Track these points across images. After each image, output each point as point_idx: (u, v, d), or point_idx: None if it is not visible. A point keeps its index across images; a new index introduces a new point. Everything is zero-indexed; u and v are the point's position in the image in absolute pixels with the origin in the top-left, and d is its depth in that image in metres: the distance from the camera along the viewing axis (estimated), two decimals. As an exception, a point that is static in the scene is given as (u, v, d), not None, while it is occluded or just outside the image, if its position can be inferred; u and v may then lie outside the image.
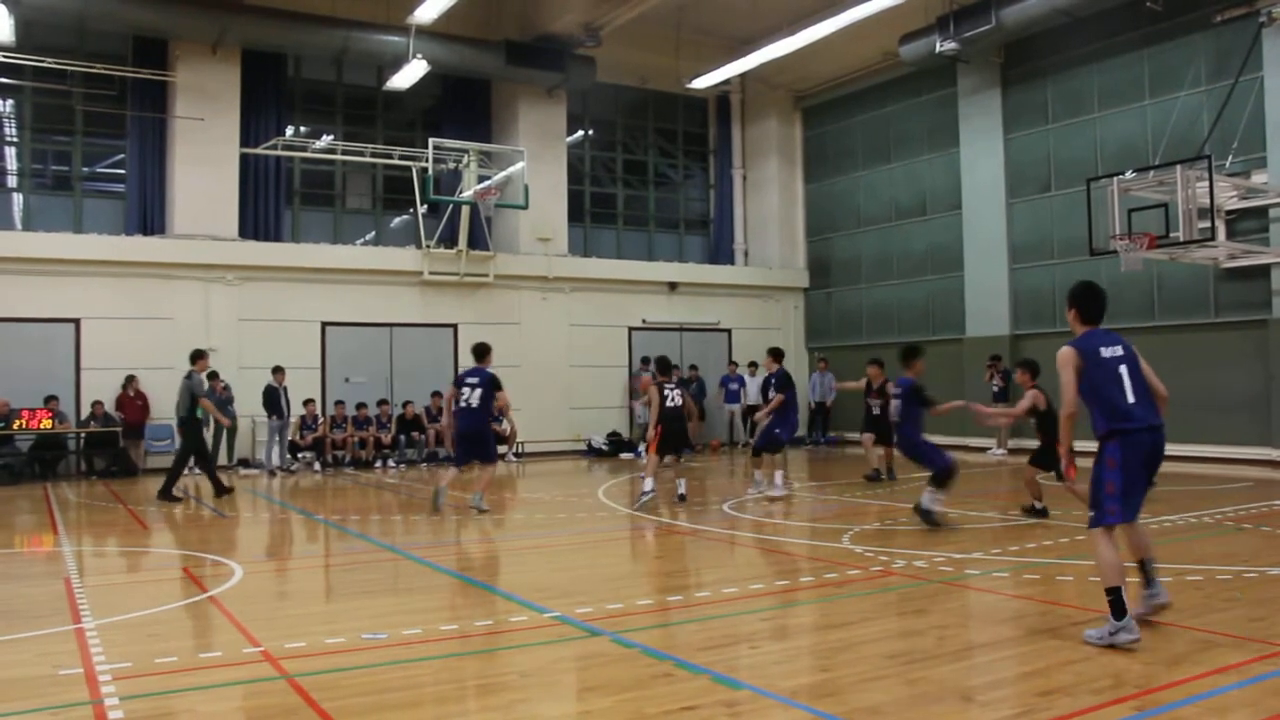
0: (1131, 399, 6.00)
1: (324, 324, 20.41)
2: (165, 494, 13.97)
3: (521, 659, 5.80)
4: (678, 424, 12.94)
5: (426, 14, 18.64)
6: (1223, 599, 7.02)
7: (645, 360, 22.86)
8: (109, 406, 18.20)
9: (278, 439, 18.59)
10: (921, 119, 22.91)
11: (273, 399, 18.45)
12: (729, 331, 24.89)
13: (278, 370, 18.59)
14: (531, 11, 21.99)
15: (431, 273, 21.26)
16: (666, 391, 12.87)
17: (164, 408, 18.48)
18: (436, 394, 20.40)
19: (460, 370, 13.50)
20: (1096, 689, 4.88)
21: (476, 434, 12.68)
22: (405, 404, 20.21)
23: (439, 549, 10.38)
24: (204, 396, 14.37)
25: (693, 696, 4.88)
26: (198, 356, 14.31)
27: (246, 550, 10.43)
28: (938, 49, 19.68)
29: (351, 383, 19.80)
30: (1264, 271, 16.52)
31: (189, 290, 19.22)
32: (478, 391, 12.44)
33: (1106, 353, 6.16)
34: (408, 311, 21.24)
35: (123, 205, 19.93)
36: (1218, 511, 11.33)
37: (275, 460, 18.43)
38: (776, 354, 14.65)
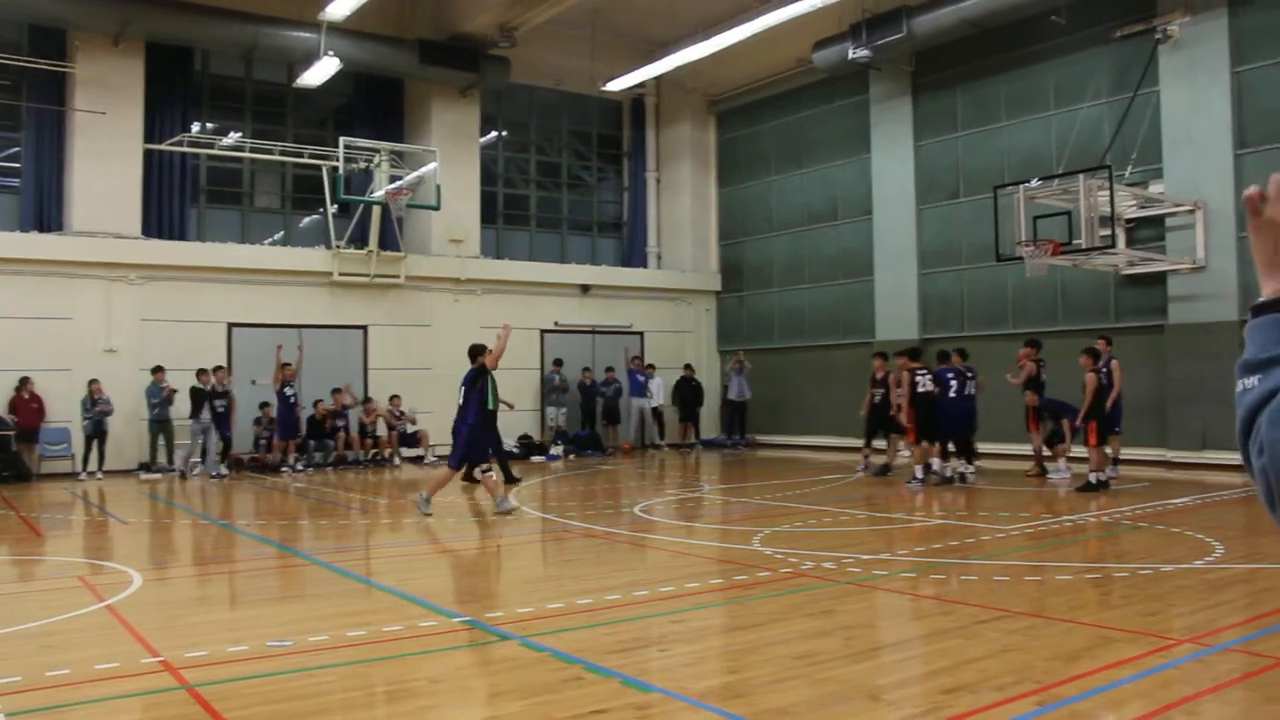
0: None
1: (230, 325, 19.95)
2: (470, 478, 14.75)
3: (430, 664, 5.72)
4: None
5: (338, 11, 18.34)
6: (1119, 595, 7.21)
7: (558, 362, 22.83)
8: (1, 409, 17.56)
9: (203, 441, 18.00)
10: (834, 125, 23.19)
11: (198, 401, 17.91)
12: (641, 334, 24.94)
13: (203, 372, 18.08)
14: (446, 11, 21.79)
15: (341, 273, 20.94)
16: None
17: (60, 410, 17.97)
18: (337, 390, 20.01)
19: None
20: (999, 685, 4.98)
21: (455, 431, 12.46)
22: (316, 403, 19.81)
23: (346, 554, 10.22)
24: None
25: (603, 700, 4.87)
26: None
27: (146, 557, 10.16)
28: (850, 56, 19.94)
29: (258, 385, 19.35)
30: (1160, 278, 17.04)
31: (89, 289, 18.66)
32: (462, 390, 12.37)
33: None
34: (317, 313, 20.88)
35: (18, 201, 19.24)
36: (1116, 511, 11.66)
37: (209, 463, 17.84)
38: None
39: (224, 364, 18.94)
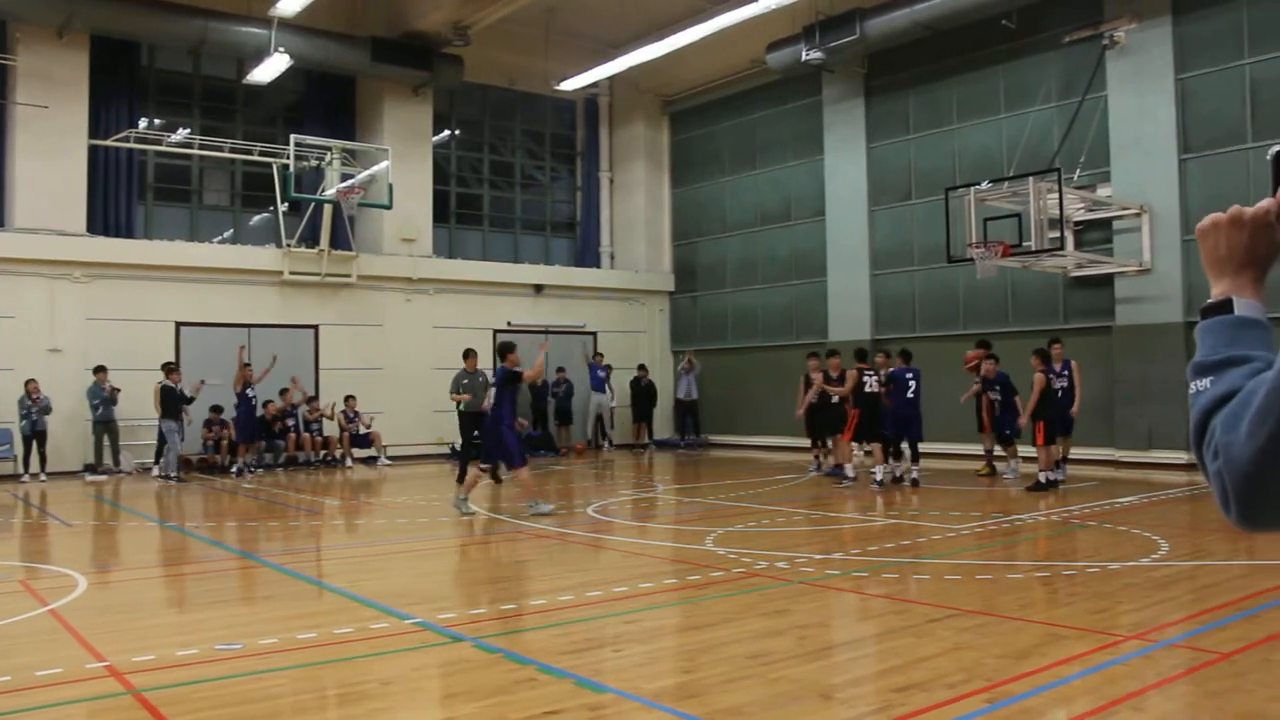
0: None
1: (178, 324, 19.66)
2: (496, 479, 15.67)
3: (383, 666, 5.66)
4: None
5: (289, 6, 18.15)
6: (1068, 593, 7.30)
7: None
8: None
9: (168, 441, 17.51)
10: (787, 126, 23.30)
11: (170, 400, 17.51)
12: (594, 334, 24.90)
13: (172, 369, 17.74)
14: (398, 8, 21.64)
15: (292, 272, 20.71)
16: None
17: (1, 411, 17.61)
18: (284, 391, 19.79)
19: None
20: (950, 684, 5.01)
21: (490, 434, 12.40)
22: (266, 404, 19.53)
23: (297, 555, 10.11)
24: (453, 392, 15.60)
25: (556, 701, 4.85)
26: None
27: (91, 560, 9.97)
28: (803, 58, 20.03)
29: (207, 385, 19.04)
30: (1108, 280, 17.28)
31: (32, 287, 18.29)
32: (493, 390, 12.19)
33: None
34: (267, 312, 20.63)
35: (-42, 196, 18.87)
36: (1064, 510, 11.80)
37: (172, 466, 17.41)
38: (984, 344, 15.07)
39: (173, 363, 18.60)
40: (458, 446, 21.61)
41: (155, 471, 17.78)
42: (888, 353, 15.53)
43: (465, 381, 15.45)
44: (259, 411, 19.20)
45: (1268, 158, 1.58)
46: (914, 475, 14.55)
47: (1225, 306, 1.53)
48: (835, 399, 15.56)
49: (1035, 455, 14.04)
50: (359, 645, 6.04)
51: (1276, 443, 1.32)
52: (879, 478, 14.52)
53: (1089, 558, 8.77)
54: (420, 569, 9.21)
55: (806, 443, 17.69)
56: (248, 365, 18.40)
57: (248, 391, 18.29)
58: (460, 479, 15.40)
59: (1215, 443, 1.40)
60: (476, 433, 15.61)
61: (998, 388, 15.13)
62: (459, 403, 15.45)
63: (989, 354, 15.35)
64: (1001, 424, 15.29)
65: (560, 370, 23.39)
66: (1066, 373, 14.53)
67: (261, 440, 19.28)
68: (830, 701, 4.91)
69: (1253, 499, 1.37)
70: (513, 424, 12.36)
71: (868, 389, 14.82)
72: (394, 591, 7.75)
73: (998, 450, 15.63)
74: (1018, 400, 14.83)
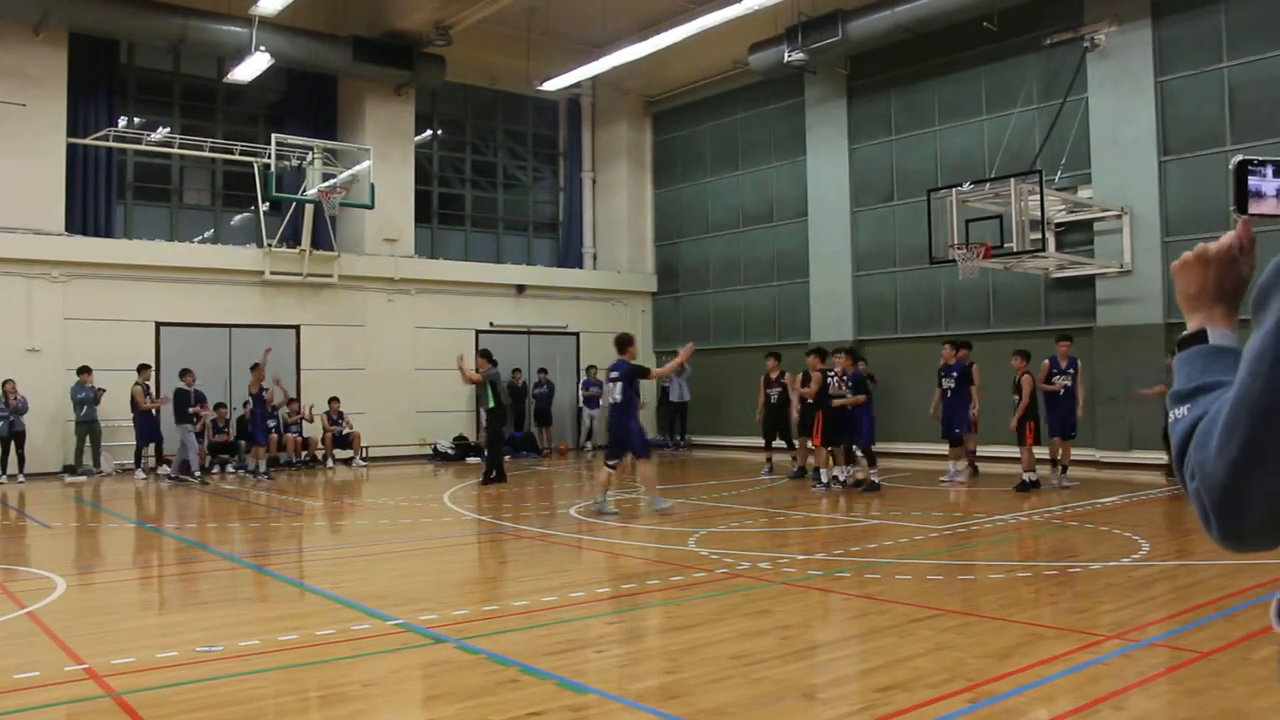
0: None
1: (158, 324, 19.54)
2: (485, 480, 15.94)
3: (364, 668, 5.63)
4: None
5: (270, 5, 18.07)
6: (1049, 593, 7.33)
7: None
8: (-81, 410, 17.02)
9: (187, 445, 17.37)
10: (769, 127, 23.33)
11: (183, 402, 17.38)
12: (577, 335, 24.88)
13: (185, 373, 17.62)
14: (380, 7, 21.57)
15: (273, 272, 20.61)
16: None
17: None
18: (264, 390, 19.65)
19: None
20: (932, 684, 5.02)
21: (619, 428, 12.35)
22: (244, 404, 19.39)
23: (278, 557, 10.06)
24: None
25: (539, 702, 4.84)
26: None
27: (70, 562, 9.90)
28: (786, 59, 20.06)
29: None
30: (1089, 282, 17.36)
31: (9, 287, 18.14)
32: (618, 385, 12.12)
33: None
34: (248, 312, 20.53)
35: (-66, 195, 18.70)
36: (1046, 510, 11.85)
37: (192, 468, 17.29)
38: (852, 355, 14.88)
39: (150, 364, 18.50)
40: (440, 448, 21.66)
41: (138, 474, 17.68)
42: (848, 351, 15.24)
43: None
44: (237, 413, 19.13)
45: (1230, 168, 1.62)
46: (873, 478, 14.35)
47: (1200, 337, 1.59)
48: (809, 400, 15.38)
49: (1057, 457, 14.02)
50: (341, 647, 6.01)
51: (1246, 454, 1.35)
52: (841, 479, 14.34)
53: (1070, 558, 8.81)
54: (402, 570, 9.18)
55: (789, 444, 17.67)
56: (258, 365, 18.40)
57: (264, 392, 18.27)
58: (489, 478, 15.76)
59: (1191, 464, 1.44)
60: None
61: (954, 374, 14.96)
62: (481, 384, 16.37)
63: (956, 345, 15.26)
64: (950, 418, 14.98)
65: (542, 371, 23.35)
66: (1072, 371, 14.33)
67: (240, 440, 19.15)
68: (813, 702, 4.91)
69: (1230, 513, 1.40)
70: (638, 415, 12.40)
71: (831, 390, 14.34)
72: (376, 593, 7.72)
73: (963, 449, 15.37)
74: (972, 390, 14.80)
